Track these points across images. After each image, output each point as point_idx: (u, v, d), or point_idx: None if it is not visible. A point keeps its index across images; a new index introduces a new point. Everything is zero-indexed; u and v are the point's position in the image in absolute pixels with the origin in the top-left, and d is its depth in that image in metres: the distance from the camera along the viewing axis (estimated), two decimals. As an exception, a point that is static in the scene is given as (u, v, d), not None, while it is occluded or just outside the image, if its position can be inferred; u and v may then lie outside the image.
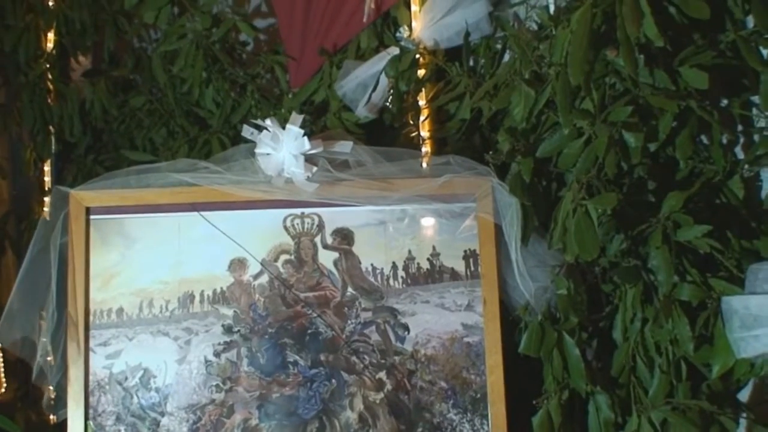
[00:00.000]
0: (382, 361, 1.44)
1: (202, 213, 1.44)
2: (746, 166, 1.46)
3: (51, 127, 2.25)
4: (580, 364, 1.42)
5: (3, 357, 3.06)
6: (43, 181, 2.33)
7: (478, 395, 1.44)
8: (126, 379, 1.41)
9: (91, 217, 1.44)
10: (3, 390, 3.21)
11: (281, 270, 1.46)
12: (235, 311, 1.44)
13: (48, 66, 2.21)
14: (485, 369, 1.44)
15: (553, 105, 1.45)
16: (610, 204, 1.34)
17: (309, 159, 1.44)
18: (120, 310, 1.43)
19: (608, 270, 1.45)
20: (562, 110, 1.39)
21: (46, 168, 2.32)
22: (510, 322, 1.48)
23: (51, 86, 2.23)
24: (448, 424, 1.43)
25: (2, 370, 3.20)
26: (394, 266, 1.47)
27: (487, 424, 1.43)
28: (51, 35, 2.21)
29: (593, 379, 1.44)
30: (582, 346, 1.46)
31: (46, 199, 2.26)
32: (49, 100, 2.24)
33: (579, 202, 1.35)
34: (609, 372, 1.46)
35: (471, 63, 1.73)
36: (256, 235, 1.46)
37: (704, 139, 1.50)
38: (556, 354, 1.43)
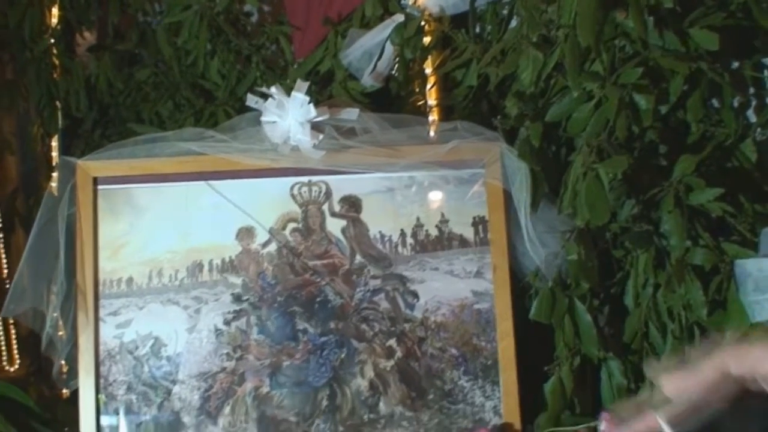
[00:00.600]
0: (392, 329, 1.44)
1: (210, 182, 1.44)
2: (759, 129, 1.45)
3: (57, 102, 2.25)
4: (592, 330, 1.42)
5: (15, 333, 3.07)
6: (51, 156, 2.32)
7: (489, 362, 1.44)
8: (137, 348, 1.41)
9: (99, 187, 1.43)
10: (16, 366, 3.23)
11: (289, 238, 1.45)
12: (243, 280, 1.44)
13: (53, 41, 2.20)
14: (496, 336, 1.43)
15: (562, 68, 1.44)
16: (621, 167, 1.32)
17: (315, 126, 1.43)
18: (130, 280, 1.42)
19: (619, 235, 1.44)
20: (571, 73, 1.37)
21: (54, 143, 2.32)
22: (520, 288, 1.47)
23: (56, 61, 2.22)
24: (459, 390, 1.43)
25: (15, 346, 3.21)
26: (403, 233, 1.46)
27: (499, 391, 1.43)
28: (55, 10, 2.20)
29: (605, 345, 1.43)
30: (594, 312, 1.45)
31: (54, 175, 2.25)
32: (55, 76, 2.23)
33: (589, 166, 1.34)
34: (621, 338, 1.46)
35: (477, 30, 1.72)
36: (264, 204, 1.45)
37: (715, 102, 1.49)
38: (568, 320, 1.43)
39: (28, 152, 2.55)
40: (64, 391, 1.82)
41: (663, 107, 1.40)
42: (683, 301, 1.36)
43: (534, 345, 1.46)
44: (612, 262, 1.49)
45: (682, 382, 0.63)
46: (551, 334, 1.45)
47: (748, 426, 0.61)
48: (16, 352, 3.15)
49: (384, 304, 1.44)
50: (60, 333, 1.50)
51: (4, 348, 3.17)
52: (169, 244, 1.43)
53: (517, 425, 1.41)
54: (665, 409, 0.61)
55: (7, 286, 2.58)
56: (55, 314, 1.47)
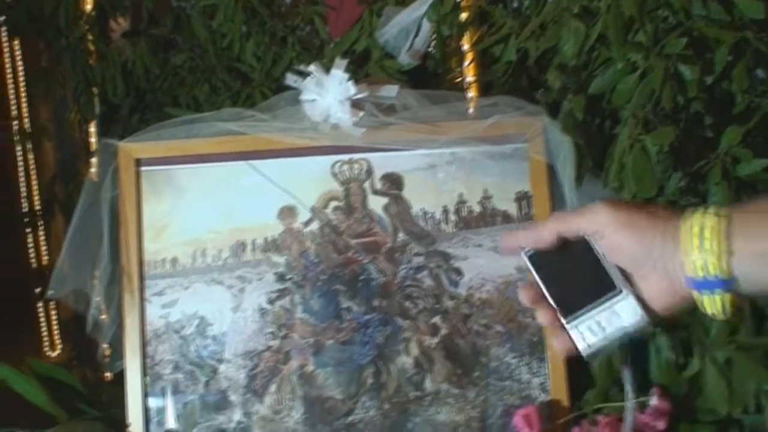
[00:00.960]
0: (436, 306, 1.43)
1: (251, 162, 1.43)
2: (805, 98, 1.42)
3: (94, 88, 2.25)
4: (639, 304, 1.40)
5: (57, 318, 3.11)
6: (89, 142, 2.33)
7: (536, 338, 1.42)
8: (183, 327, 1.42)
9: (141, 168, 1.43)
10: (58, 351, 3.27)
11: (331, 217, 1.45)
12: (286, 259, 1.43)
13: (88, 28, 2.21)
14: (541, 311, 1.42)
15: (605, 40, 1.42)
16: (667, 139, 1.30)
17: (355, 104, 1.42)
18: (174, 260, 1.43)
19: (667, 209, 1.42)
20: (616, 43, 1.35)
21: (92, 129, 2.33)
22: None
23: (92, 47, 2.23)
24: (506, 367, 1.42)
25: (56, 331, 3.25)
26: (446, 210, 1.45)
27: (545, 367, 1.41)
28: (90, -4, 2.21)
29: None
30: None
31: (93, 160, 2.27)
32: (91, 62, 2.24)
33: (636, 138, 1.32)
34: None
35: (515, 4, 1.70)
36: (305, 183, 1.44)
37: (761, 72, 1.46)
38: (614, 295, 1.41)
39: (65, 139, 2.57)
40: (107, 374, 1.84)
41: (708, 78, 1.38)
42: (731, 275, 1.34)
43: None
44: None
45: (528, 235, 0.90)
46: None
47: (571, 256, 0.86)
48: (57, 337, 3.19)
49: (427, 282, 1.44)
50: (102, 317, 1.50)
51: (45, 333, 3.21)
52: (211, 224, 1.43)
53: (565, 402, 1.40)
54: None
55: (48, 272, 2.61)
56: (98, 297, 1.47)
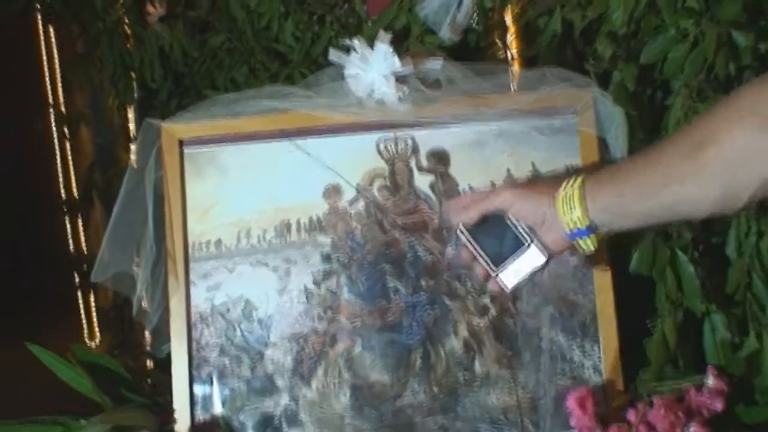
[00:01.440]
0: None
1: (294, 140, 1.41)
2: None
3: (132, 73, 2.24)
4: (695, 282, 1.36)
5: (95, 308, 3.12)
6: (128, 128, 2.33)
7: (588, 318, 1.38)
8: (228, 310, 1.39)
9: (185, 149, 1.41)
10: (97, 341, 3.28)
11: (377, 195, 1.41)
12: (332, 239, 1.40)
13: (124, 11, 2.19)
14: (594, 290, 1.38)
15: (654, 7, 1.37)
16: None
17: (400, 79, 1.39)
18: (218, 242, 1.40)
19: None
20: (667, 9, 1.31)
21: (130, 115, 2.32)
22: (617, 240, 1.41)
23: (129, 32, 2.22)
24: (558, 348, 1.38)
25: (96, 323, 3.26)
26: (494, 186, 1.41)
27: (599, 348, 1.37)
28: (125, -20, 2.19)
29: (708, 298, 1.37)
30: (695, 264, 1.39)
31: (132, 146, 2.26)
32: (128, 46, 2.22)
33: (690, 108, 1.28)
34: (723, 291, 1.39)
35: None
36: (350, 161, 1.41)
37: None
38: (669, 272, 1.37)
39: (103, 125, 2.57)
40: (148, 362, 1.83)
41: (762, 44, 1.32)
42: (788, 249, 1.30)
43: (634, 299, 1.40)
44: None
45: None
46: (649, 288, 1.40)
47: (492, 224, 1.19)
48: (96, 327, 3.20)
49: (476, 261, 1.40)
50: (144, 304, 1.49)
51: (85, 324, 3.22)
52: (256, 204, 1.41)
53: (619, 383, 1.36)
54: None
55: (87, 260, 2.60)
56: (143, 282, 1.45)
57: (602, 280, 1.38)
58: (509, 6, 1.67)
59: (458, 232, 1.21)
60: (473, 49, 1.78)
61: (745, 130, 0.98)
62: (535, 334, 1.39)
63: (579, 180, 1.13)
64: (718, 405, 1.26)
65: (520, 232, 1.17)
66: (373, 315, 1.40)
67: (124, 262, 1.46)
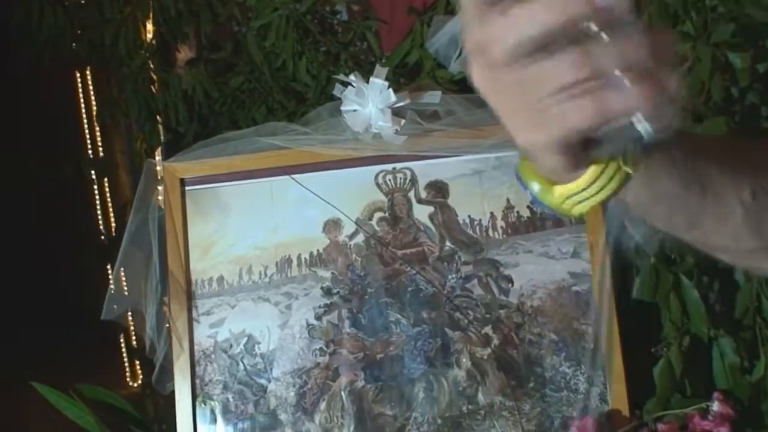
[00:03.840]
0: (487, 316, 1.39)
1: (293, 176, 1.42)
2: None
3: (158, 116, 2.30)
4: (701, 307, 1.34)
5: (127, 348, 3.16)
6: (154, 170, 2.38)
7: (592, 346, 1.37)
8: (231, 346, 1.41)
9: (186, 188, 1.44)
10: (140, 381, 3.33)
11: (376, 228, 1.42)
12: (333, 273, 1.41)
13: (148, 56, 2.25)
14: (598, 318, 1.36)
15: (652, 33, 1.36)
16: (719, 130, 1.25)
17: (396, 112, 1.40)
18: (221, 279, 1.42)
19: (725, 204, 1.35)
20: (660, 34, 1.29)
21: (158, 157, 2.37)
22: (620, 266, 1.40)
23: (154, 76, 2.27)
24: (561, 377, 1.37)
25: (136, 362, 3.30)
26: (493, 216, 1.41)
27: (603, 376, 1.35)
28: (149, 26, 2.25)
29: (716, 323, 1.35)
30: (703, 289, 1.37)
31: (159, 188, 2.31)
32: (153, 90, 2.28)
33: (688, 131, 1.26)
34: (732, 315, 1.37)
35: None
36: (349, 195, 1.42)
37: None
38: (674, 298, 1.35)
39: (136, 167, 2.63)
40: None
41: (761, 66, 1.31)
42: (797, 271, 1.27)
43: (640, 326, 1.38)
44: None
45: None
46: (657, 314, 1.37)
47: None
48: (138, 368, 3.24)
49: (477, 291, 1.39)
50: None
51: (127, 364, 3.27)
52: (257, 241, 1.43)
53: (625, 411, 1.33)
54: None
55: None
56: (151, 319, 1.48)
57: (606, 306, 1.36)
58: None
59: None
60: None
61: None
62: (538, 362, 1.37)
63: None
64: (724, 431, 1.23)
65: None
66: (375, 347, 1.40)
67: (134, 299, 1.49)
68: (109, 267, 3.10)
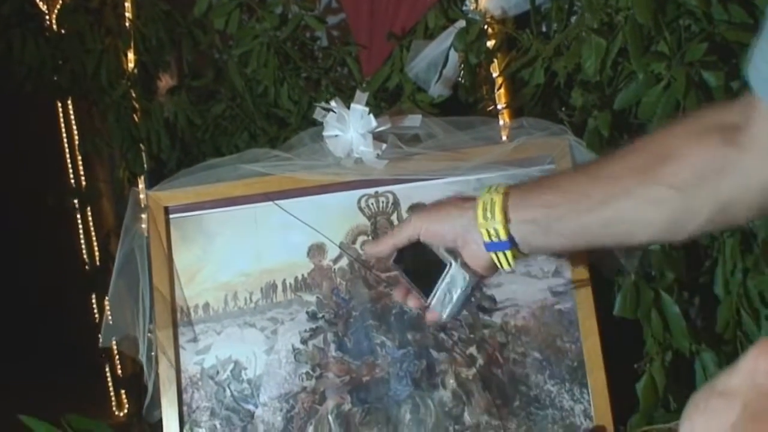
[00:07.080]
0: (471, 336, 1.40)
1: (277, 202, 1.44)
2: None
3: (141, 145, 2.31)
4: (682, 323, 1.35)
5: (112, 378, 3.15)
6: (139, 198, 2.38)
7: (575, 363, 1.38)
8: (217, 373, 1.41)
9: (171, 216, 1.45)
10: (125, 410, 3.31)
11: (360, 252, 1.43)
12: (318, 297, 1.42)
13: (130, 85, 2.27)
14: (580, 336, 1.38)
15: (627, 54, 1.39)
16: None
17: (377, 136, 1.42)
18: (206, 306, 1.43)
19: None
20: (635, 54, 1.33)
21: (141, 185, 2.37)
22: (602, 284, 1.42)
23: (136, 105, 2.29)
24: (546, 395, 1.38)
25: (122, 392, 3.29)
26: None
27: (588, 393, 1.37)
28: (131, 55, 2.27)
29: (698, 338, 1.37)
30: (684, 304, 1.39)
31: (143, 216, 2.31)
32: (136, 118, 2.29)
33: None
34: (713, 329, 1.38)
35: (544, 29, 1.68)
36: (332, 219, 1.44)
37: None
38: (655, 314, 1.37)
39: (121, 196, 2.64)
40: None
41: (735, 83, 1.33)
42: (773, 284, 1.29)
43: (623, 342, 1.40)
44: (699, 251, 1.42)
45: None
46: (639, 330, 1.39)
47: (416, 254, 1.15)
48: (124, 397, 3.23)
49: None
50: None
51: (112, 393, 3.25)
52: (242, 267, 1.43)
53: (610, 428, 1.35)
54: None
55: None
56: (142, 346, 1.48)
57: (588, 324, 1.38)
58: (495, 60, 1.70)
59: (394, 267, 1.19)
60: (464, 105, 1.81)
61: (708, 145, 0.92)
62: (523, 381, 1.39)
63: (503, 187, 1.06)
64: (707, 448, 1.24)
65: (441, 254, 1.11)
66: (361, 370, 1.41)
67: (127, 326, 1.49)
68: (94, 296, 3.11)
